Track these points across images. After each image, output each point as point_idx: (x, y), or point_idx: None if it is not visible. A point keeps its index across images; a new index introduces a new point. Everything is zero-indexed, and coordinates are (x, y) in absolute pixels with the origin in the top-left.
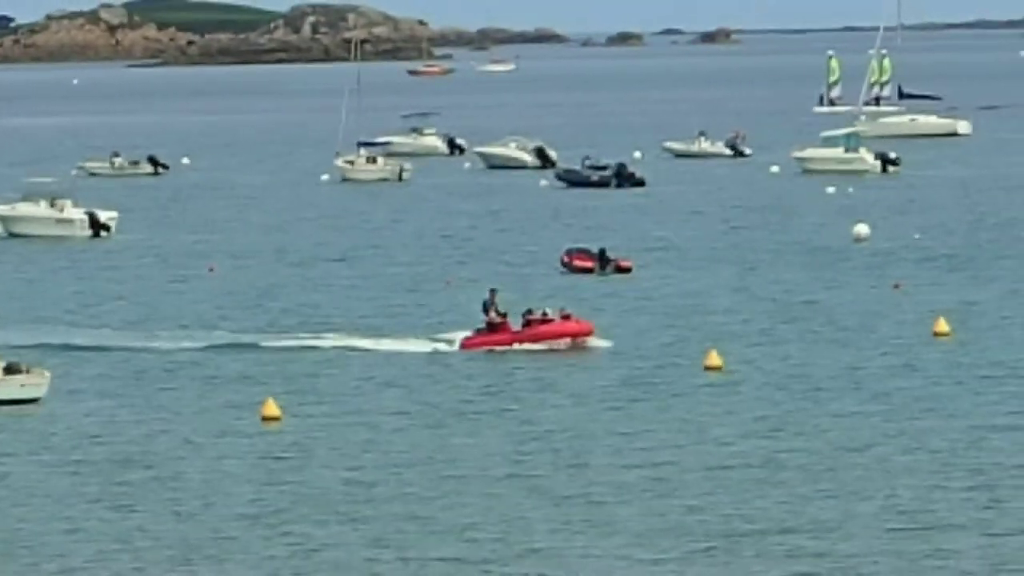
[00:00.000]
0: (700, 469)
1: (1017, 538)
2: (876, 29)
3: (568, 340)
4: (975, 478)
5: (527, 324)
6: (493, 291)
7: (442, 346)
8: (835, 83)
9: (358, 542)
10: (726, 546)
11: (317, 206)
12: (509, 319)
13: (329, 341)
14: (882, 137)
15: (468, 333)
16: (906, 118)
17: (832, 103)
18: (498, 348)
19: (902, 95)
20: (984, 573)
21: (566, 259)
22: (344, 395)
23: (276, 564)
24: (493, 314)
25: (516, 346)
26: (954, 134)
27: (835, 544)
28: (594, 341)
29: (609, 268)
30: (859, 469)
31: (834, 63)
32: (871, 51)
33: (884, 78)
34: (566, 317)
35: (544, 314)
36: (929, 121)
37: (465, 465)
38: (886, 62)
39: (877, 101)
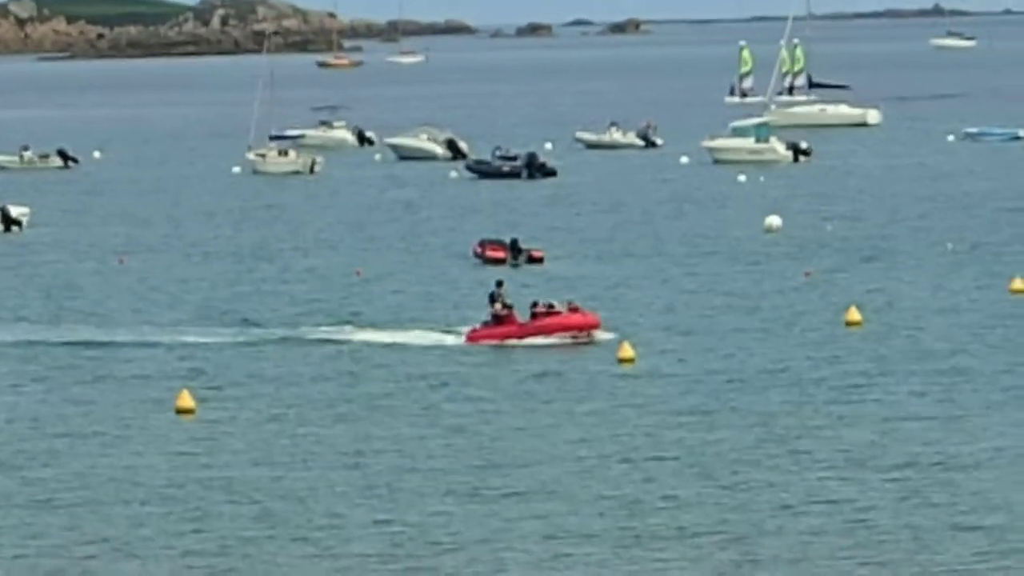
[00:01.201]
0: (613, 462)
1: (933, 524)
2: (785, 19)
3: (574, 333)
4: (889, 467)
5: (534, 316)
6: (500, 283)
7: (448, 339)
8: (747, 74)
9: (272, 536)
10: (642, 540)
11: (229, 199)
12: (515, 311)
13: (242, 334)
14: (792, 127)
15: (475, 326)
16: (816, 108)
17: (744, 94)
18: (505, 341)
19: (811, 84)
20: (902, 562)
21: (478, 249)
22: (262, 388)
23: (191, 559)
24: (499, 306)
25: (520, 340)
26: (864, 124)
27: (753, 536)
28: (600, 334)
29: (521, 258)
30: (774, 460)
31: (746, 54)
32: (782, 41)
33: (797, 68)
34: (574, 309)
35: (550, 306)
36: (839, 111)
37: (380, 459)
38: (799, 52)
39: (790, 91)
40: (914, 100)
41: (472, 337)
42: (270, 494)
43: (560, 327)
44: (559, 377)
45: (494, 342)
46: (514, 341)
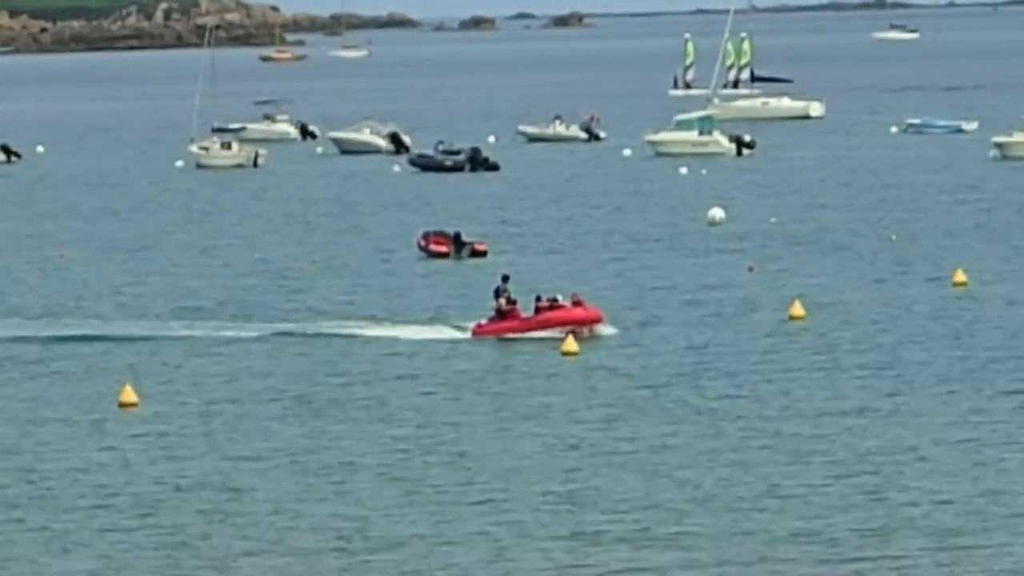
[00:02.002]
0: (556, 456)
1: (879, 517)
2: (727, 12)
3: (575, 327)
4: (834, 461)
5: (537, 311)
6: (505, 277)
7: (456, 333)
8: (690, 66)
9: (217, 530)
10: (586, 532)
11: (171, 192)
12: (519, 306)
13: (186, 329)
14: (735, 120)
15: (481, 321)
16: (759, 101)
17: (688, 86)
18: (509, 335)
19: (754, 78)
20: (848, 555)
21: (422, 243)
22: (205, 382)
23: (137, 553)
24: (502, 301)
25: (523, 334)
26: (807, 116)
27: (692, 531)
28: (602, 328)
29: (464, 252)
30: (715, 453)
31: (690, 46)
32: (726, 34)
33: (743, 61)
34: (577, 303)
35: (554, 300)
36: (782, 104)
37: (326, 454)
38: (745, 45)
39: (736, 84)
40: (857, 93)
41: (478, 332)
42: (214, 488)
43: (561, 321)
44: (504, 370)
45: (499, 335)
46: (518, 335)
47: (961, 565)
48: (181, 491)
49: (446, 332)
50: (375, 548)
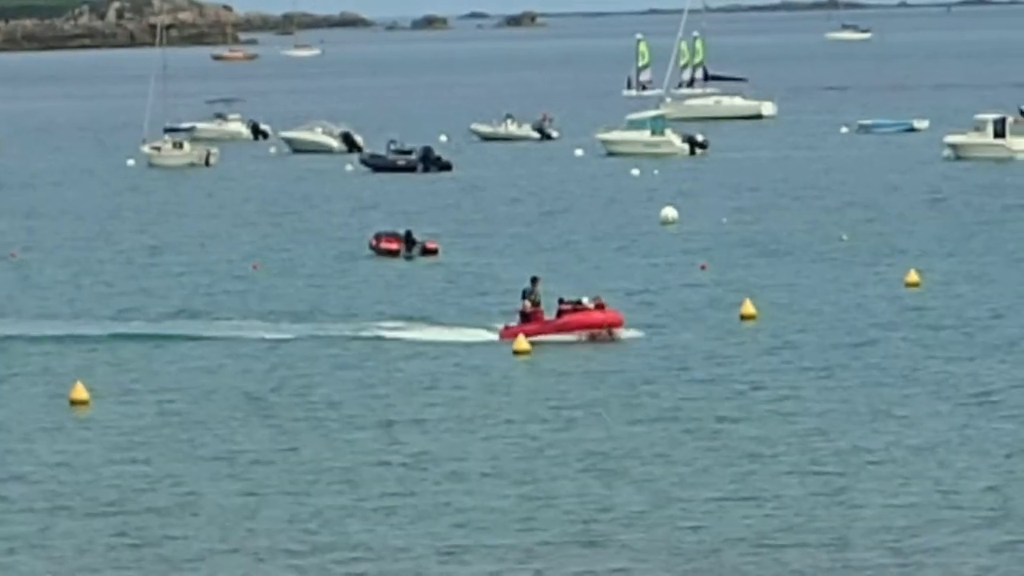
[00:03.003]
0: (508, 457)
1: (835, 519)
2: (681, 12)
3: (594, 330)
4: (788, 462)
5: (559, 313)
6: (535, 279)
7: (488, 335)
8: (645, 66)
9: (166, 529)
10: (540, 539)
11: (123, 192)
12: (541, 308)
13: (138, 328)
14: (687, 119)
15: (509, 323)
16: (711, 100)
17: (643, 87)
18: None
19: (707, 77)
20: (809, 558)
21: (374, 242)
22: (156, 382)
23: (89, 555)
24: (527, 303)
25: (547, 336)
26: (759, 116)
27: (645, 534)
28: (624, 332)
29: (415, 251)
30: (667, 454)
31: (643, 46)
32: (680, 34)
33: (697, 60)
34: (600, 306)
35: (577, 303)
36: (734, 103)
37: (278, 455)
38: (699, 44)
39: (691, 83)
40: (809, 92)
41: (506, 334)
42: (161, 486)
43: (580, 324)
44: (454, 369)
45: (525, 338)
46: (542, 337)
47: (918, 567)
48: (134, 490)
49: (477, 334)
50: (327, 549)
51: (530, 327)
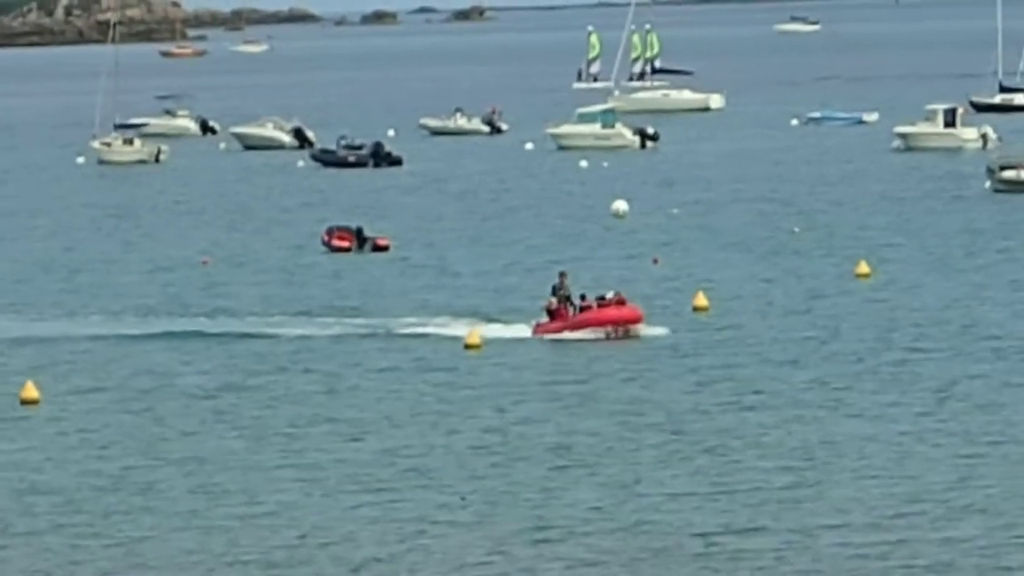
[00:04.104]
0: (464, 451)
1: (803, 511)
2: (629, 5)
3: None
4: (753, 456)
5: (580, 310)
6: (562, 274)
7: (522, 331)
8: (595, 59)
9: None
10: (506, 534)
11: (73, 189)
12: (565, 305)
13: (89, 326)
14: (636, 112)
15: (540, 320)
16: (659, 93)
17: (594, 79)
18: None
19: (655, 70)
20: (783, 549)
21: (326, 237)
22: (107, 380)
23: (46, 555)
24: (553, 300)
25: (570, 333)
26: (707, 108)
27: (600, 527)
28: (644, 329)
29: (367, 246)
30: (619, 448)
31: (594, 39)
32: (632, 27)
33: (650, 53)
34: (620, 302)
35: (601, 299)
36: (682, 96)
37: (218, 450)
38: (652, 37)
39: (642, 76)
40: (758, 85)
41: (537, 330)
42: (113, 485)
43: (598, 321)
44: (408, 363)
45: (552, 335)
46: (567, 334)
47: (882, 558)
48: (91, 488)
49: (514, 330)
50: (287, 547)
51: (558, 324)
